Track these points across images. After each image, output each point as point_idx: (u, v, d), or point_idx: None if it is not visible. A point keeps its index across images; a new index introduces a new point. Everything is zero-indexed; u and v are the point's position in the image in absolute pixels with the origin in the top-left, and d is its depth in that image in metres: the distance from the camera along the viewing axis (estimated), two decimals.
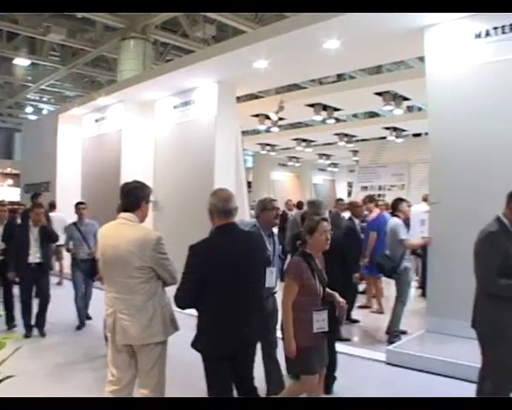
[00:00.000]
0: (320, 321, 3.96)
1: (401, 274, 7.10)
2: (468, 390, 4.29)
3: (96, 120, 13.99)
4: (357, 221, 8.50)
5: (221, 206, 3.65)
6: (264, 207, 4.89)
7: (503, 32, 6.63)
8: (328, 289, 4.17)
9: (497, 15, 6.56)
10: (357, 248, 8.28)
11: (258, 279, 3.90)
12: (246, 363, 3.76)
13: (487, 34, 6.76)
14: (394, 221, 7.35)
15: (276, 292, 4.83)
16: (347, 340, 7.05)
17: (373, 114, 20.38)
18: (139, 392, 3.75)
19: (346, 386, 5.22)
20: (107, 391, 3.78)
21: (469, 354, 4.93)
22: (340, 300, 4.17)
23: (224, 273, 3.50)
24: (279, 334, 4.35)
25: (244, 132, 17.57)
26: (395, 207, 7.64)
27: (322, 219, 4.14)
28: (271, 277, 4.72)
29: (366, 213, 9.47)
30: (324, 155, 26.83)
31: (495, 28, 6.69)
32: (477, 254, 3.96)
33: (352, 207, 8.69)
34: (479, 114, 6.76)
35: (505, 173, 6.18)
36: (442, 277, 6.90)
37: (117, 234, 3.72)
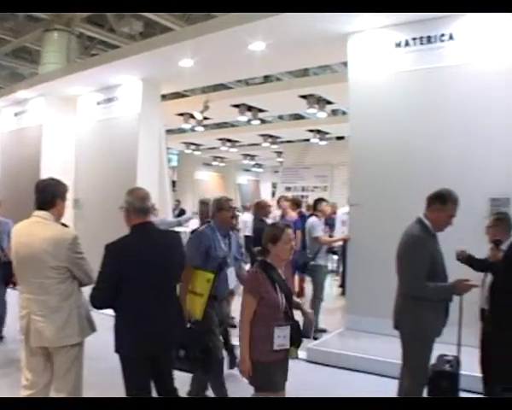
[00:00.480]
0: (281, 337, 3.60)
1: (316, 271, 7.36)
2: (388, 385, 4.42)
3: (16, 114, 13.41)
4: (269, 221, 8.53)
5: (139, 204, 3.60)
6: (220, 207, 4.74)
7: (421, 43, 6.98)
8: (295, 299, 3.90)
9: (416, 26, 6.91)
10: None
11: (176, 279, 3.86)
12: (165, 364, 3.73)
13: (407, 44, 7.07)
14: (311, 220, 7.66)
15: (233, 294, 4.92)
16: None
17: (298, 117, 20.69)
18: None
19: None
20: (21, 396, 3.64)
21: (387, 351, 5.11)
22: (308, 311, 3.97)
23: (141, 273, 3.45)
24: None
25: (169, 131, 17.39)
26: (315, 206, 7.95)
27: (286, 227, 3.76)
28: (232, 277, 4.69)
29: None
30: (249, 155, 26.98)
31: (414, 39, 7.02)
32: (402, 258, 4.04)
33: (260, 207, 8.70)
34: (397, 118, 7.06)
35: (422, 175, 6.46)
36: (360, 276, 7.11)
37: (30, 232, 3.59)
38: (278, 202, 9.45)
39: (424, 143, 6.80)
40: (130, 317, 3.50)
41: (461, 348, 4.58)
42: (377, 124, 7.21)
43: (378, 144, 7.18)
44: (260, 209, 8.48)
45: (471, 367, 4.67)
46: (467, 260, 4.76)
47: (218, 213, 4.74)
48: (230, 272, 4.67)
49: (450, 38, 6.80)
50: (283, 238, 3.66)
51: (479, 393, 4.71)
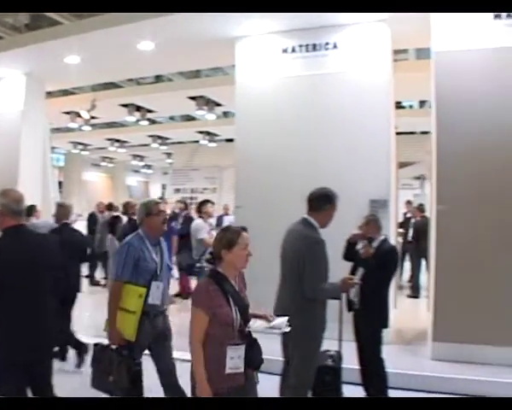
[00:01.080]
0: (235, 359, 3.12)
1: (202, 273, 7.45)
2: (270, 382, 4.51)
3: None
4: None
5: (15, 206, 3.47)
6: (148, 212, 4.21)
7: (307, 50, 7.30)
8: (251, 311, 3.37)
9: (302, 34, 7.25)
10: None
11: (46, 282, 3.62)
12: (42, 371, 3.62)
13: (293, 50, 7.34)
14: (196, 222, 7.74)
15: (165, 310, 4.36)
16: None
17: (190, 118, 20.70)
18: None
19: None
20: None
21: (269, 349, 5.24)
22: (267, 314, 3.53)
23: (15, 277, 3.33)
24: None
25: (56, 130, 16.75)
26: (199, 208, 8.06)
27: (242, 230, 3.30)
28: (158, 292, 4.15)
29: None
30: (138, 156, 26.60)
31: (300, 46, 7.32)
32: (301, 259, 4.05)
33: (129, 207, 8.58)
34: (282, 123, 7.34)
35: (305, 178, 6.65)
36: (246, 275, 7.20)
37: None
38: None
39: (308, 146, 7.12)
40: (2, 322, 3.36)
41: (342, 342, 4.84)
42: (262, 127, 7.44)
43: (263, 147, 7.41)
44: (129, 209, 8.42)
45: (352, 361, 4.95)
46: (354, 245, 5.05)
47: (146, 218, 4.22)
48: (157, 287, 4.15)
49: (335, 46, 7.18)
50: (240, 243, 3.21)
51: (360, 384, 5.00)
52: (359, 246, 4.97)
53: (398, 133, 12.87)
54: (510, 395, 5.18)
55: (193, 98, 13.34)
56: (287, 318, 3.46)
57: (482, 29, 6.34)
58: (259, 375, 3.36)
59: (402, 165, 15.15)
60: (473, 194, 6.21)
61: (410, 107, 16.45)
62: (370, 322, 4.80)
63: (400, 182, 15.83)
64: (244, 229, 3.31)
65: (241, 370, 3.16)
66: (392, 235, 7.31)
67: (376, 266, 4.72)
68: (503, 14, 6.28)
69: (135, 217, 7.82)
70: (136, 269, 4.08)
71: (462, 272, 6.16)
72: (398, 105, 13.78)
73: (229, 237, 3.22)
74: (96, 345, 4.21)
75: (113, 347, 4.01)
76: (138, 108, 14.68)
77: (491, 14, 6.31)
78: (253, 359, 3.21)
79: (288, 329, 3.41)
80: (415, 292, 10.61)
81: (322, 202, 4.21)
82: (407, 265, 11.42)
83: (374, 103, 6.92)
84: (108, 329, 4.09)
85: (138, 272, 4.08)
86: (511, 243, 6.07)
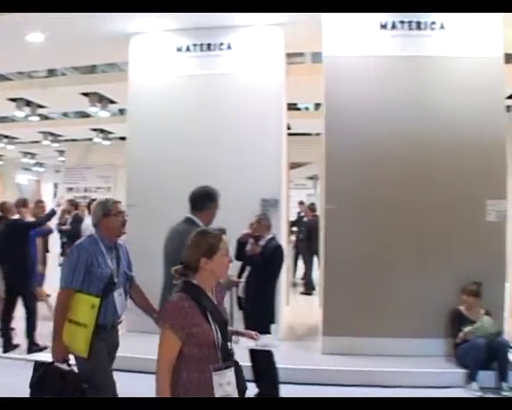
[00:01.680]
0: (224, 386, 2.62)
1: None
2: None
3: None
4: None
5: None
6: (106, 212, 3.77)
7: (202, 50, 7.34)
8: (231, 328, 2.94)
9: (197, 33, 7.31)
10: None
11: None
12: None
13: (188, 49, 7.34)
14: (86, 222, 7.59)
15: (121, 322, 3.94)
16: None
17: (85, 115, 20.08)
18: None
19: None
20: None
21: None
22: (251, 332, 3.19)
23: None
24: None
25: None
26: (89, 207, 7.85)
27: (222, 233, 2.85)
28: (121, 300, 3.76)
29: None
30: (29, 153, 25.45)
31: (195, 45, 7.36)
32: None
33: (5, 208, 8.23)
34: (175, 122, 7.32)
35: (197, 177, 6.57)
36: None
37: None
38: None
39: (199, 146, 7.17)
40: None
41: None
42: (154, 126, 7.40)
43: (154, 146, 7.38)
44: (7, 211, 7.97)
45: (244, 358, 4.96)
46: (244, 244, 5.14)
47: (103, 219, 3.77)
48: (119, 294, 3.74)
49: (229, 47, 7.25)
50: (221, 248, 2.75)
51: (252, 381, 4.99)
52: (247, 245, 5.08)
53: (293, 134, 13.28)
54: (397, 383, 5.53)
55: (86, 95, 12.92)
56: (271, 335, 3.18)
57: (369, 37, 6.68)
58: None
59: (296, 165, 15.58)
60: (358, 194, 6.53)
61: (306, 109, 16.87)
62: (257, 318, 4.89)
63: (294, 182, 16.33)
64: (223, 231, 2.87)
65: (235, 395, 2.68)
66: (284, 233, 7.49)
67: (262, 264, 4.85)
68: (389, 25, 6.64)
69: (12, 217, 7.53)
70: (89, 276, 3.62)
71: (348, 269, 6.45)
72: (294, 107, 14.11)
73: (210, 243, 2.74)
74: (37, 364, 3.65)
75: (59, 364, 3.55)
76: (28, 103, 14.02)
77: (378, 24, 6.64)
78: (238, 385, 2.72)
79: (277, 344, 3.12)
80: (308, 289, 10.91)
81: (204, 200, 4.22)
82: (300, 262, 11.71)
83: (266, 105, 7.07)
84: (53, 344, 3.63)
85: (90, 279, 3.62)
86: (392, 242, 6.43)
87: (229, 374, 2.68)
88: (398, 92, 6.63)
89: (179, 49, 7.38)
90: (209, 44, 7.31)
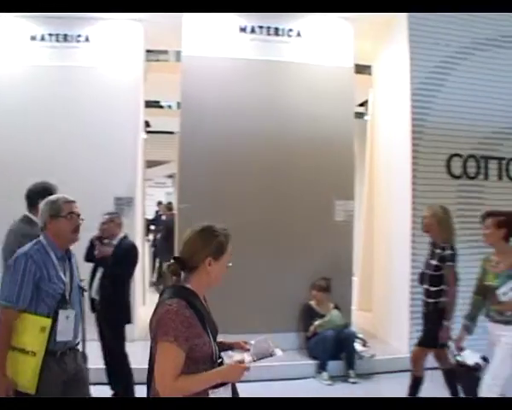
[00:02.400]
0: None
1: None
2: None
3: None
4: None
5: None
6: (55, 213, 3.09)
7: (57, 40, 7.02)
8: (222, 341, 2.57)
9: (54, 21, 6.92)
10: None
11: None
12: None
13: (42, 38, 6.98)
14: None
15: (78, 344, 3.26)
16: None
17: None
18: None
19: None
20: None
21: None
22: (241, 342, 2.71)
23: None
24: None
25: None
26: None
27: (228, 233, 2.52)
28: (68, 324, 3.04)
29: None
30: None
31: (50, 34, 7.01)
32: None
33: None
34: (28, 115, 6.82)
35: (39, 174, 6.30)
36: None
37: None
38: None
39: (51, 139, 6.75)
40: None
41: (86, 343, 4.73)
42: (7, 118, 6.80)
43: (5, 139, 6.78)
44: None
45: (97, 360, 4.84)
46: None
47: (52, 221, 3.10)
48: (66, 317, 3.02)
49: (87, 39, 7.03)
50: (228, 250, 2.46)
51: (106, 384, 4.99)
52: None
53: (154, 132, 13.14)
54: (252, 378, 5.64)
55: None
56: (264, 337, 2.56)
57: (228, 40, 6.81)
58: None
59: (157, 163, 15.45)
60: (211, 194, 6.62)
61: (169, 107, 16.76)
62: (112, 319, 4.83)
63: (154, 180, 16.15)
64: (226, 230, 2.53)
65: None
66: (139, 232, 7.44)
67: (114, 264, 4.77)
68: (248, 29, 6.82)
69: None
70: (37, 292, 2.94)
71: None
72: (157, 104, 13.95)
73: (220, 242, 2.42)
74: None
75: None
76: None
77: (237, 27, 6.80)
78: None
79: (279, 352, 2.58)
80: None
81: (39, 196, 3.76)
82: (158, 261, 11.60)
83: (123, 101, 6.92)
84: None
85: (39, 296, 2.95)
86: (244, 241, 6.54)
87: (227, 392, 2.33)
88: (255, 94, 6.81)
89: (33, 38, 6.93)
90: (66, 35, 6.97)
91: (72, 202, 3.19)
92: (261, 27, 6.92)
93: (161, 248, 11.25)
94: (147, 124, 10.54)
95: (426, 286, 4.81)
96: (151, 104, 10.46)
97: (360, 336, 6.65)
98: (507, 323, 4.09)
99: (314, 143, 6.91)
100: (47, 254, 3.02)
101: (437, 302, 4.69)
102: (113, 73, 6.99)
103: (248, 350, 2.54)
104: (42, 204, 3.21)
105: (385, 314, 7.47)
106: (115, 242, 4.96)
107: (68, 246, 3.19)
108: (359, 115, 9.60)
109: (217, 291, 2.51)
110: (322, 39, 7.12)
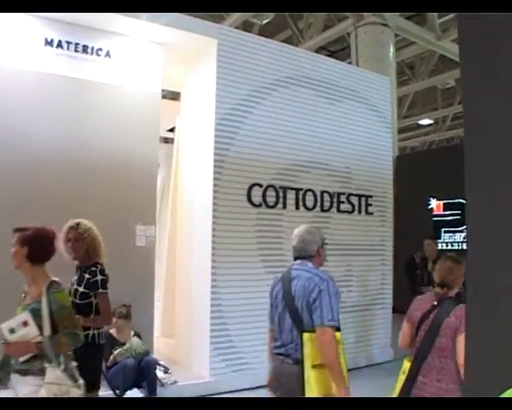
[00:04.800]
0: None
1: None
2: None
3: None
4: None
5: None
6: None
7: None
8: None
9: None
10: None
11: None
12: None
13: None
14: None
15: None
16: None
17: None
18: None
19: None
20: None
21: None
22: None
23: None
24: None
25: None
26: None
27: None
28: None
29: None
30: None
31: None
32: None
33: None
34: None
35: None
36: None
37: None
38: None
39: None
40: None
41: None
42: None
43: None
44: None
45: None
46: None
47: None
48: None
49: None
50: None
51: None
52: None
53: None
54: None
55: None
56: None
57: (32, 52, 6.38)
58: None
59: None
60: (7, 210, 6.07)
61: None
62: None
63: None
64: None
65: None
66: None
67: None
68: (55, 42, 6.51)
69: None
70: None
71: None
72: None
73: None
74: None
75: None
76: None
77: (43, 39, 6.44)
78: None
79: None
80: None
81: None
82: None
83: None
84: None
85: None
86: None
87: None
88: (57, 112, 6.49)
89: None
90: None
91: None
92: (69, 43, 6.60)
93: None
94: None
95: None
96: None
97: (162, 363, 6.59)
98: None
99: (116, 166, 6.78)
100: None
101: None
102: None
103: None
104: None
105: (187, 340, 7.49)
106: None
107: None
108: (169, 141, 9.63)
109: None
110: (131, 62, 7.04)
